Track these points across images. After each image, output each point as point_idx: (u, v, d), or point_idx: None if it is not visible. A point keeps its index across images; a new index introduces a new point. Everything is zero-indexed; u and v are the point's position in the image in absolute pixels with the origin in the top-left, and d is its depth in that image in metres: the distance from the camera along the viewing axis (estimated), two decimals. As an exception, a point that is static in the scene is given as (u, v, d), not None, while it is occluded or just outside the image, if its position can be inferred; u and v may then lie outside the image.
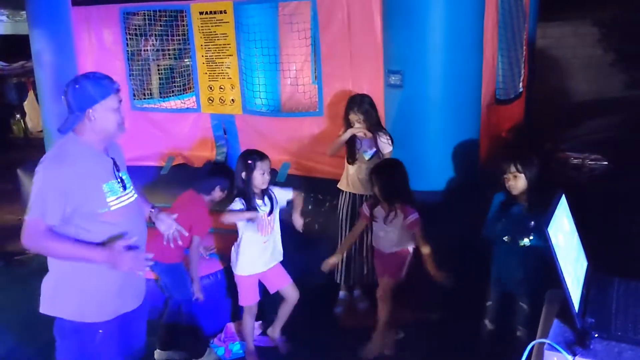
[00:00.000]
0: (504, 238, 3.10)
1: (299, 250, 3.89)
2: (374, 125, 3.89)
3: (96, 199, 2.40)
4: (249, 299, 3.54)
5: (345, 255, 4.02)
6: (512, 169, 3.05)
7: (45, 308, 2.50)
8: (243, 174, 3.35)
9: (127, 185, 2.54)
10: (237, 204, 3.38)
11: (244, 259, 3.48)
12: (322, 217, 4.38)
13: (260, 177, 3.34)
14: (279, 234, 3.58)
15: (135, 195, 2.61)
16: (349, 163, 4.00)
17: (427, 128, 4.05)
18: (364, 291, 4.17)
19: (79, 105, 2.38)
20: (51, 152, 2.44)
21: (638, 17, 7.66)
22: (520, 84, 5.67)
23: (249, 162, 3.34)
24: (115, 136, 2.51)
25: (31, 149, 10.20)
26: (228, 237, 4.09)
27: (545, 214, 1.61)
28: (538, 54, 6.78)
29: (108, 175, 2.46)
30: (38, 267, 5.03)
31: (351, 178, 3.98)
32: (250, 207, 3.36)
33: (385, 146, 3.89)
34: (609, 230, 3.77)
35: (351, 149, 3.95)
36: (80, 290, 2.44)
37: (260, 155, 3.38)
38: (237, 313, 3.88)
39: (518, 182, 3.05)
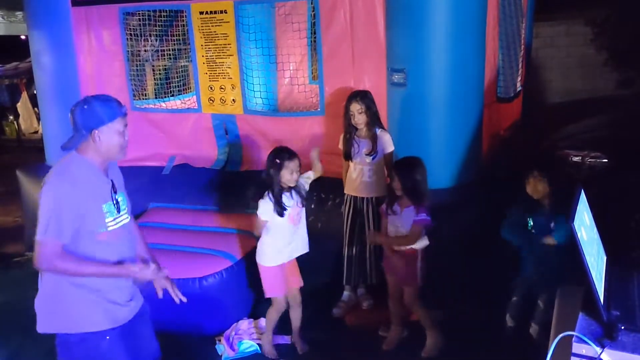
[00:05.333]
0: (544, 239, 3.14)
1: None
2: (374, 121, 3.90)
3: (97, 218, 2.42)
4: (274, 290, 3.56)
5: (347, 254, 4.05)
6: (534, 173, 3.11)
7: (45, 327, 2.49)
8: (271, 171, 3.38)
9: (122, 208, 2.55)
10: (266, 200, 3.41)
11: (271, 248, 3.51)
12: (325, 215, 4.39)
13: (288, 176, 3.38)
14: (305, 226, 3.62)
15: (129, 218, 2.62)
16: (346, 160, 4.01)
17: (430, 126, 4.08)
18: (368, 290, 4.19)
19: (86, 124, 2.39)
20: (56, 170, 2.42)
21: (628, 16, 7.74)
22: (519, 83, 5.72)
23: (277, 160, 3.38)
24: (116, 158, 2.53)
25: (24, 151, 10.16)
26: (235, 236, 4.11)
27: (569, 209, 1.63)
28: (532, 53, 6.85)
29: (106, 196, 2.48)
30: (36, 269, 5.07)
31: (353, 181, 3.99)
32: (278, 203, 3.39)
33: (388, 146, 3.91)
34: (611, 225, 3.81)
35: (348, 148, 3.96)
36: (77, 303, 2.43)
37: (290, 154, 3.41)
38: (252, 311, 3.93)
39: (539, 186, 3.11)
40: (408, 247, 3.46)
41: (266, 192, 3.43)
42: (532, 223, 3.18)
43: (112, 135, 2.42)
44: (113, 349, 2.49)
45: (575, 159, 4.78)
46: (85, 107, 2.39)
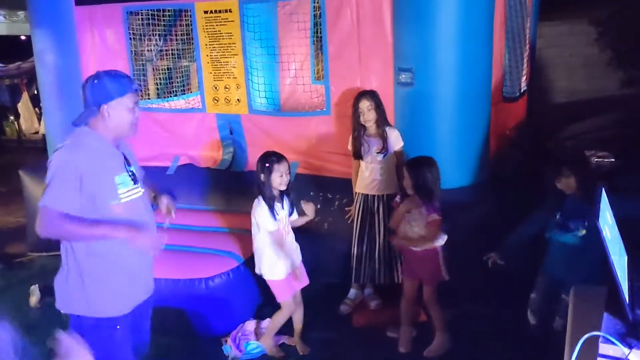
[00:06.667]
0: (577, 232, 3.13)
1: (310, 248, 3.88)
2: (382, 119, 3.89)
3: (109, 189, 2.40)
4: (286, 293, 3.56)
5: (356, 253, 4.02)
6: (564, 170, 3.14)
7: (62, 306, 2.50)
8: (262, 176, 3.37)
9: (138, 179, 2.55)
10: (263, 205, 3.40)
11: (272, 264, 3.50)
12: (331, 215, 4.36)
13: (278, 179, 3.38)
14: (294, 237, 3.63)
15: (143, 190, 2.61)
16: (355, 159, 3.98)
17: (437, 126, 4.04)
18: (376, 289, 4.16)
19: (95, 100, 2.39)
20: (66, 142, 2.42)
21: (632, 15, 7.73)
22: (524, 82, 5.69)
23: (267, 164, 3.37)
24: (127, 135, 2.51)
25: (25, 151, 10.13)
26: (242, 236, 4.08)
27: (593, 207, 1.60)
28: (536, 53, 6.83)
29: (120, 168, 2.47)
30: (39, 269, 5.04)
31: (365, 180, 3.96)
32: (271, 209, 3.38)
33: (397, 142, 3.90)
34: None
35: (357, 147, 3.94)
36: (97, 286, 2.43)
37: (278, 157, 3.41)
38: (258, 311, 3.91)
39: (569, 182, 3.13)
40: (427, 246, 3.43)
41: (258, 198, 3.42)
42: (559, 219, 3.18)
43: (121, 111, 2.42)
44: (122, 338, 2.51)
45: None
46: (95, 81, 2.39)
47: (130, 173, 2.49)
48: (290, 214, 3.54)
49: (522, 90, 5.61)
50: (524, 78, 5.68)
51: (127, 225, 2.38)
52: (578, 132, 6.00)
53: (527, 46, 5.74)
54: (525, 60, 5.67)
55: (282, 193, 3.48)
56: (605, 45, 8.13)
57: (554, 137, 5.90)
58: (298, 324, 3.67)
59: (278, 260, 3.48)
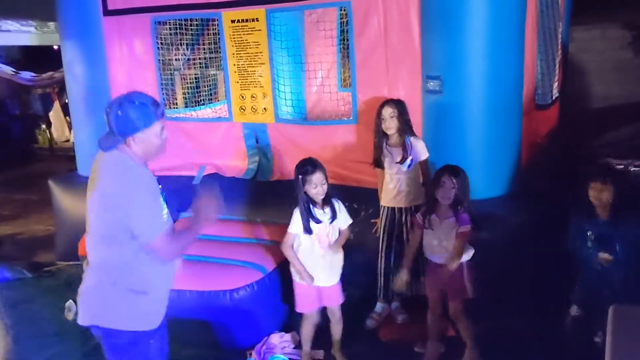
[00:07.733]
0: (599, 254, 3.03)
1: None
2: (405, 129, 3.80)
3: (161, 212, 2.40)
4: (303, 306, 3.49)
5: (383, 267, 3.94)
6: (601, 179, 3.02)
7: (96, 319, 2.45)
8: (297, 186, 3.32)
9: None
10: (297, 215, 3.35)
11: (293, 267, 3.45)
12: (357, 226, 4.27)
13: (313, 190, 3.29)
14: (340, 258, 3.49)
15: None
16: (375, 167, 3.92)
17: (467, 135, 3.96)
18: (403, 303, 4.07)
19: (121, 131, 2.33)
20: (117, 169, 2.35)
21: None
22: (556, 88, 5.56)
23: (300, 175, 3.29)
24: (155, 158, 2.47)
25: (56, 159, 10.31)
26: (267, 248, 4.04)
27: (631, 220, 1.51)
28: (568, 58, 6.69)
29: (159, 189, 2.46)
30: (67, 278, 5.07)
31: (391, 192, 3.88)
32: (309, 216, 3.31)
33: (422, 153, 3.81)
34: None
35: (378, 155, 3.87)
36: (136, 300, 2.41)
37: (313, 168, 3.29)
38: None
39: (603, 194, 3.00)
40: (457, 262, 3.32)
41: (296, 208, 3.36)
42: (592, 238, 3.06)
43: (149, 139, 2.37)
44: (157, 350, 2.51)
45: (619, 167, 4.62)
46: (120, 112, 2.31)
47: (163, 193, 2.48)
48: (332, 220, 3.38)
49: (554, 97, 5.47)
50: (556, 84, 5.55)
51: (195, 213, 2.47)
52: (612, 140, 5.84)
53: (560, 51, 5.61)
54: (557, 65, 5.54)
55: (324, 200, 3.36)
56: (638, 50, 7.95)
57: (587, 144, 5.76)
58: (335, 336, 3.59)
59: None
